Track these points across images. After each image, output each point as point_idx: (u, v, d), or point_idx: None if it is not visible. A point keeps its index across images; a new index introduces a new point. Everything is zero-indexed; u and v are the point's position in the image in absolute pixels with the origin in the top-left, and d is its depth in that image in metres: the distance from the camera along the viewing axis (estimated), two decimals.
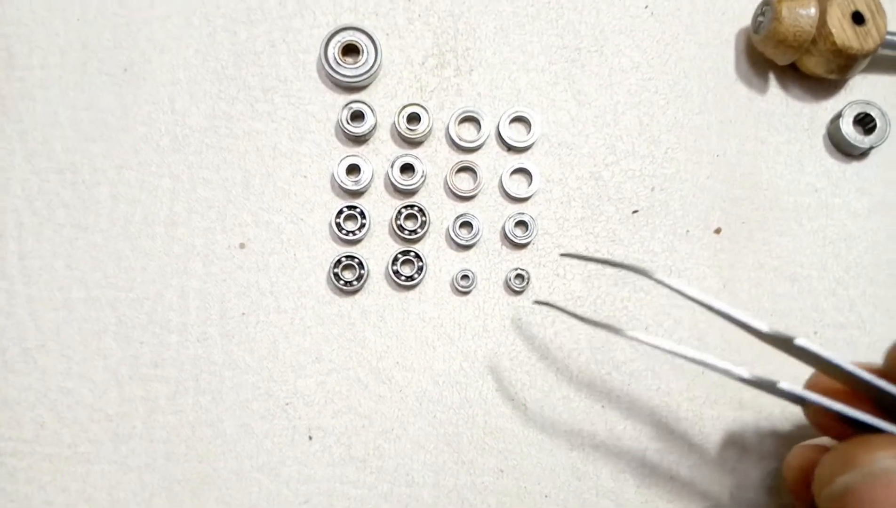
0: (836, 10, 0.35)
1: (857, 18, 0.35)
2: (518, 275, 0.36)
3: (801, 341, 0.25)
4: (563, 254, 0.36)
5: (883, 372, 0.26)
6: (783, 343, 0.26)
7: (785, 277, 0.37)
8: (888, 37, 0.36)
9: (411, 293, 0.36)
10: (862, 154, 0.38)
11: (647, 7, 0.39)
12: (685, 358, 0.27)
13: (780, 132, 0.38)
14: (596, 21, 0.38)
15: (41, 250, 0.36)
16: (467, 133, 0.37)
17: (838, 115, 0.37)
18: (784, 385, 0.26)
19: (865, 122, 0.37)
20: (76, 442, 0.35)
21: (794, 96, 0.38)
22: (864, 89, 0.38)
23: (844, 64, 0.36)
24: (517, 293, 0.36)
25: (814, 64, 0.36)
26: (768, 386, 0.27)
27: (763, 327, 0.26)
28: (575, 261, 0.37)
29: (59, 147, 0.37)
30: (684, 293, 0.27)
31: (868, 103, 0.37)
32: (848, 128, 0.37)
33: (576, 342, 0.36)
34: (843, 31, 0.35)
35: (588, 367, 0.36)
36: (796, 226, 0.37)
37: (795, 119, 0.38)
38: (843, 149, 0.38)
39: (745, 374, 0.27)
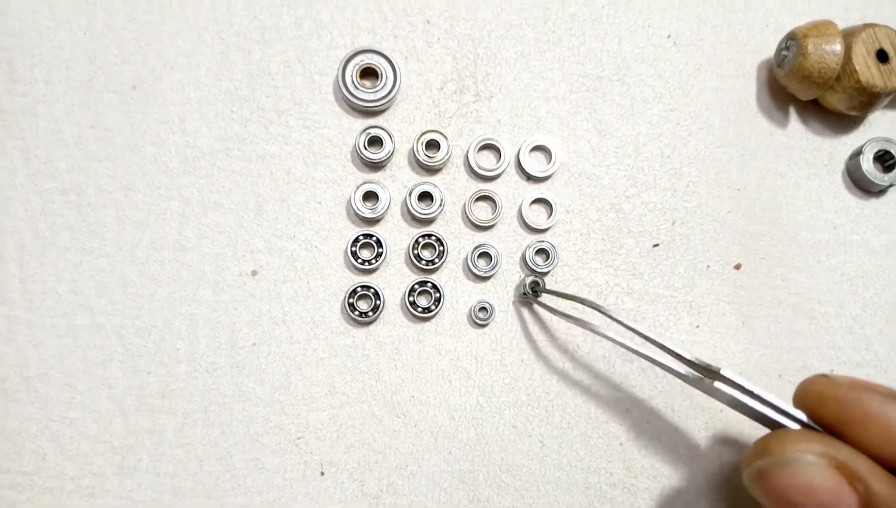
0: (860, 48, 0.35)
1: (882, 56, 0.35)
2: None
3: (727, 372, 0.28)
4: (518, 300, 0.36)
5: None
6: (706, 377, 0.29)
7: (803, 314, 0.37)
8: None
9: (427, 324, 0.35)
10: (881, 191, 0.38)
11: (669, 37, 0.38)
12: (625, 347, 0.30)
13: (800, 167, 0.38)
14: (618, 50, 0.38)
15: (44, 274, 0.35)
16: (486, 161, 0.37)
17: (858, 152, 0.37)
18: (727, 372, 0.29)
19: (885, 159, 0.37)
20: (79, 475, 0.34)
21: (815, 131, 0.38)
22: (884, 126, 0.38)
23: (867, 101, 0.36)
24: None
25: (836, 100, 0.36)
26: (710, 376, 0.29)
27: (687, 355, 0.30)
28: (592, 295, 0.36)
29: (63, 166, 0.36)
30: (628, 325, 0.30)
31: (888, 140, 0.37)
32: (868, 165, 0.37)
33: (594, 378, 0.35)
34: (867, 69, 0.35)
35: (606, 404, 0.35)
36: (815, 263, 0.37)
37: (815, 154, 0.38)
38: (863, 186, 0.37)
39: (687, 360, 0.30)
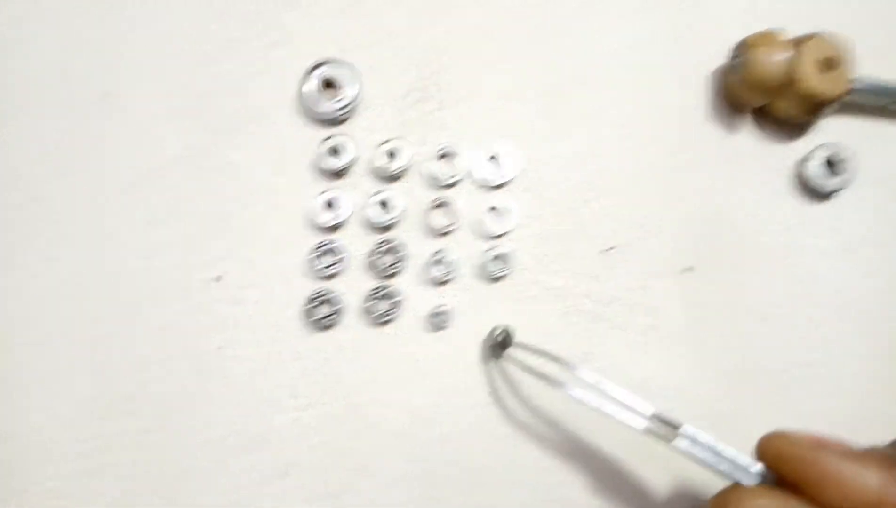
0: (807, 56, 0.36)
1: (828, 64, 0.36)
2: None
3: (688, 429, 0.29)
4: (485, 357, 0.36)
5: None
6: (667, 432, 0.29)
7: (755, 316, 0.38)
8: (857, 82, 0.37)
9: (387, 328, 0.36)
10: (831, 195, 0.39)
11: (627, 45, 0.39)
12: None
13: (752, 172, 0.39)
14: (577, 58, 0.39)
15: (7, 282, 0.36)
16: (447, 168, 0.38)
17: (807, 157, 0.38)
18: (687, 429, 0.29)
19: (834, 164, 0.38)
20: (45, 479, 0.35)
21: (767, 137, 0.39)
22: (834, 131, 0.39)
23: (815, 108, 0.37)
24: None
25: (785, 107, 0.37)
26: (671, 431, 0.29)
27: (648, 409, 0.30)
28: (551, 298, 0.37)
29: (28, 173, 0.37)
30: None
31: (837, 145, 0.38)
32: (816, 170, 0.38)
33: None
34: (814, 77, 0.36)
35: (565, 403, 0.36)
36: (767, 266, 0.38)
37: (766, 160, 0.39)
38: (813, 190, 0.38)
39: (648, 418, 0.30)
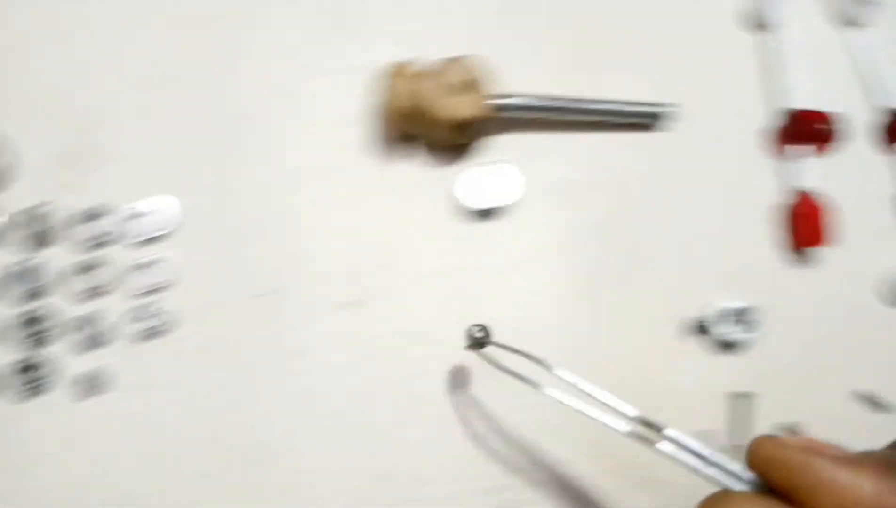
0: (438, 82, 0.37)
1: (464, 88, 0.37)
2: None
3: (672, 432, 0.28)
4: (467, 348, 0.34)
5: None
6: (651, 436, 0.28)
7: (422, 340, 0.38)
8: (500, 101, 0.38)
9: (38, 400, 0.35)
10: (492, 213, 0.40)
11: (279, 87, 0.40)
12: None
13: (415, 199, 0.40)
14: (231, 107, 0.40)
15: None
16: (98, 228, 0.37)
17: (465, 179, 0.39)
18: (671, 432, 0.28)
19: (491, 184, 0.39)
20: None
21: (427, 163, 0.40)
22: (497, 149, 0.40)
23: (458, 130, 0.38)
24: None
25: (433, 132, 0.38)
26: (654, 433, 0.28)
27: (631, 411, 0.29)
28: (215, 348, 0.36)
29: None
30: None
31: (493, 163, 0.39)
32: (472, 191, 0.39)
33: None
34: (446, 101, 0.37)
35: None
36: (433, 289, 0.38)
37: (428, 185, 0.40)
38: (473, 210, 0.39)
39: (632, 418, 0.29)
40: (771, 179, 0.42)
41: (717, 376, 0.39)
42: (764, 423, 0.38)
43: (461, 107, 0.37)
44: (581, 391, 0.30)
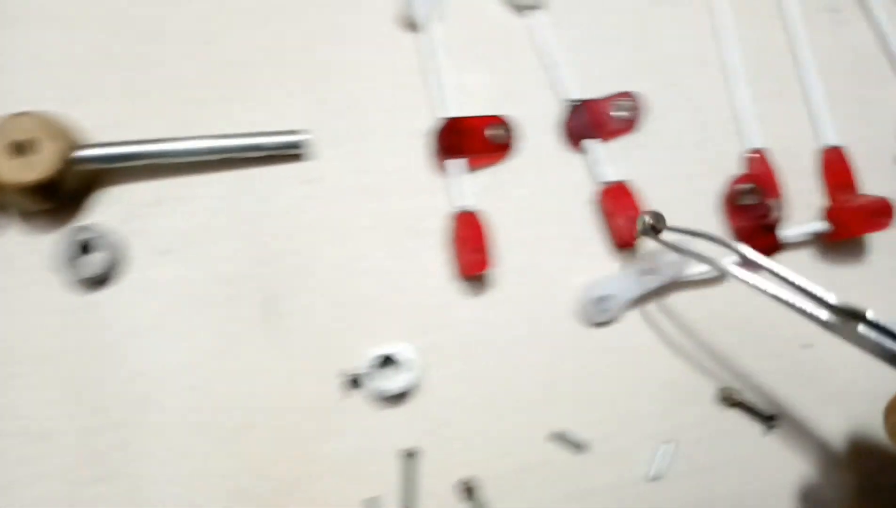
0: None
1: (20, 149, 0.32)
2: None
3: (871, 314, 0.26)
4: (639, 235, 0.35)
5: None
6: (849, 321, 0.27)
7: (34, 436, 0.33)
8: (79, 154, 0.33)
9: None
10: (108, 279, 0.34)
11: None
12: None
13: (15, 274, 0.34)
14: None
15: None
16: None
17: (60, 246, 0.34)
18: (871, 314, 0.26)
19: (87, 247, 0.34)
20: None
21: (26, 233, 0.35)
22: (100, 208, 0.35)
23: (37, 196, 0.33)
24: None
25: (14, 202, 0.33)
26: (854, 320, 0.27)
27: (837, 301, 0.27)
28: None
29: None
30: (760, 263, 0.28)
31: (87, 228, 0.34)
32: (75, 258, 0.34)
33: None
34: (9, 166, 0.32)
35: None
36: (45, 375, 0.33)
37: (28, 258, 0.34)
38: (82, 279, 0.34)
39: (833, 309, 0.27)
40: (439, 199, 0.37)
41: (382, 433, 0.35)
42: (441, 481, 0.34)
43: (23, 170, 0.32)
44: (775, 275, 0.28)
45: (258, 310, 0.35)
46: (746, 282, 0.28)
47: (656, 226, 0.34)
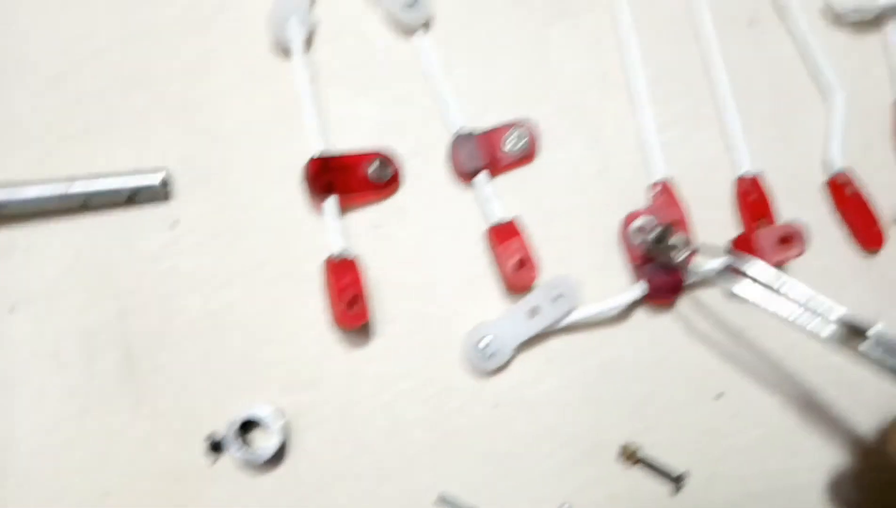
0: None
1: None
2: None
3: (881, 328, 0.25)
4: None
5: None
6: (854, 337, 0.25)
7: None
8: None
9: None
10: None
11: None
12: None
13: None
14: None
15: None
16: None
17: None
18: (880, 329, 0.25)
19: None
20: None
21: None
22: None
23: None
24: None
25: None
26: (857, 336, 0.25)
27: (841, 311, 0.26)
28: None
29: None
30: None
31: None
32: None
33: None
34: None
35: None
36: None
37: None
38: None
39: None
40: (318, 241, 0.34)
41: (251, 502, 0.32)
42: None
43: None
44: (777, 288, 0.27)
45: (118, 368, 0.33)
46: (753, 301, 0.27)
47: (662, 240, 0.32)
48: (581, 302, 0.33)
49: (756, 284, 0.27)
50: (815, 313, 0.26)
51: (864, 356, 0.25)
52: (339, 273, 0.32)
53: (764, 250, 0.33)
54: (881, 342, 0.25)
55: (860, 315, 0.26)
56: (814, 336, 0.26)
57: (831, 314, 0.26)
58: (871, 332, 0.25)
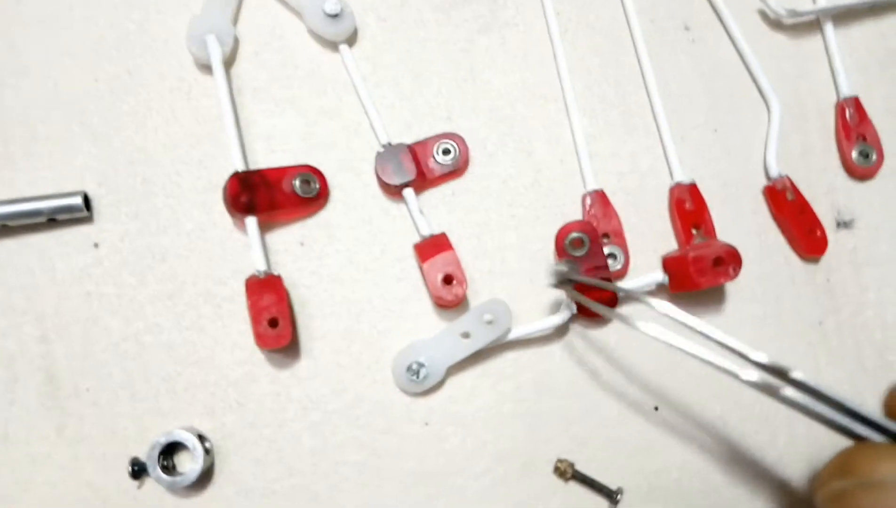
0: None
1: None
2: None
3: (799, 374, 0.24)
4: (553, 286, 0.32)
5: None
6: (775, 381, 0.24)
7: None
8: None
9: None
10: None
11: None
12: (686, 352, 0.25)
13: None
14: None
15: None
16: None
17: None
18: (797, 374, 0.24)
19: None
20: None
21: None
22: None
23: None
24: None
25: None
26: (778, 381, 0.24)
27: (761, 358, 0.24)
28: None
29: None
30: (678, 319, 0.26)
31: None
32: None
33: None
34: None
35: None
36: None
37: None
38: None
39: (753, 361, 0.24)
40: (243, 259, 0.34)
41: None
42: None
43: None
44: (695, 330, 0.25)
45: (39, 392, 0.32)
46: (659, 339, 0.25)
47: (571, 278, 0.31)
48: (513, 324, 0.33)
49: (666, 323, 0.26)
50: (735, 352, 0.25)
51: (787, 402, 0.24)
52: (259, 292, 0.31)
53: (692, 272, 0.32)
54: (803, 387, 0.24)
55: (778, 360, 0.25)
56: (733, 377, 0.25)
57: (751, 356, 0.25)
58: (793, 376, 0.24)
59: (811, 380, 0.24)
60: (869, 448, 0.23)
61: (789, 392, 0.24)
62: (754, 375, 0.24)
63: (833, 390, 0.24)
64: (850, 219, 0.38)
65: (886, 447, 0.23)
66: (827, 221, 0.37)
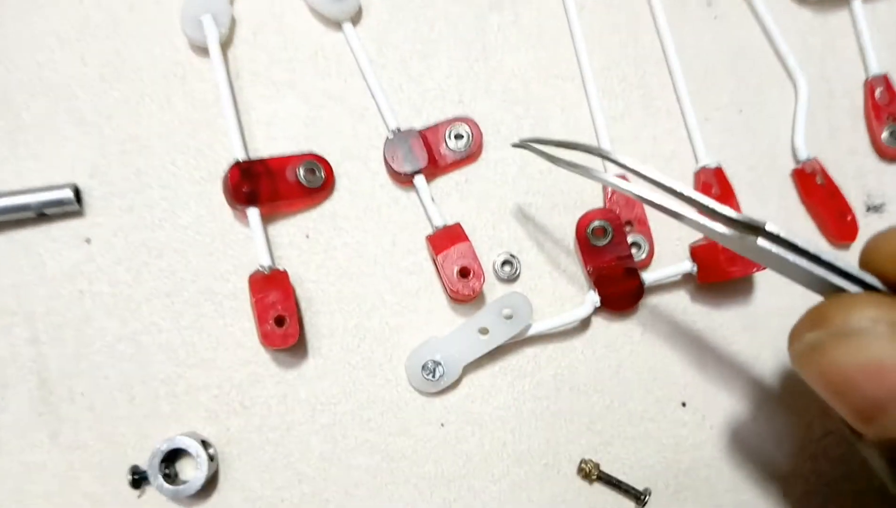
0: None
1: None
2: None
3: (773, 226, 0.23)
4: (515, 145, 0.30)
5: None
6: (747, 234, 0.23)
7: None
8: None
9: None
10: None
11: None
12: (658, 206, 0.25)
13: None
14: None
15: None
16: None
17: None
18: (772, 226, 0.23)
19: None
20: None
21: None
22: None
23: None
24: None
25: None
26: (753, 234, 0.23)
27: (733, 214, 0.24)
28: None
29: None
30: (644, 174, 0.25)
31: None
32: None
33: None
34: None
35: None
36: None
37: None
38: None
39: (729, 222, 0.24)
40: (246, 254, 0.32)
41: None
42: None
43: None
44: (664, 186, 0.25)
45: (32, 398, 0.30)
46: (630, 192, 0.25)
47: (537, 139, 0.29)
48: (533, 318, 0.31)
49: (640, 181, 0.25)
50: (706, 209, 0.24)
51: (762, 251, 0.23)
52: (264, 289, 0.30)
53: (721, 262, 0.31)
54: (776, 238, 0.23)
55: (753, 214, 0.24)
56: (710, 233, 0.24)
57: (725, 212, 0.24)
58: (767, 228, 0.23)
59: (785, 232, 0.23)
60: (843, 297, 0.22)
61: (763, 243, 0.23)
62: (727, 230, 0.24)
63: (809, 242, 0.23)
64: (880, 204, 0.36)
65: (860, 295, 0.22)
66: (856, 205, 0.35)
